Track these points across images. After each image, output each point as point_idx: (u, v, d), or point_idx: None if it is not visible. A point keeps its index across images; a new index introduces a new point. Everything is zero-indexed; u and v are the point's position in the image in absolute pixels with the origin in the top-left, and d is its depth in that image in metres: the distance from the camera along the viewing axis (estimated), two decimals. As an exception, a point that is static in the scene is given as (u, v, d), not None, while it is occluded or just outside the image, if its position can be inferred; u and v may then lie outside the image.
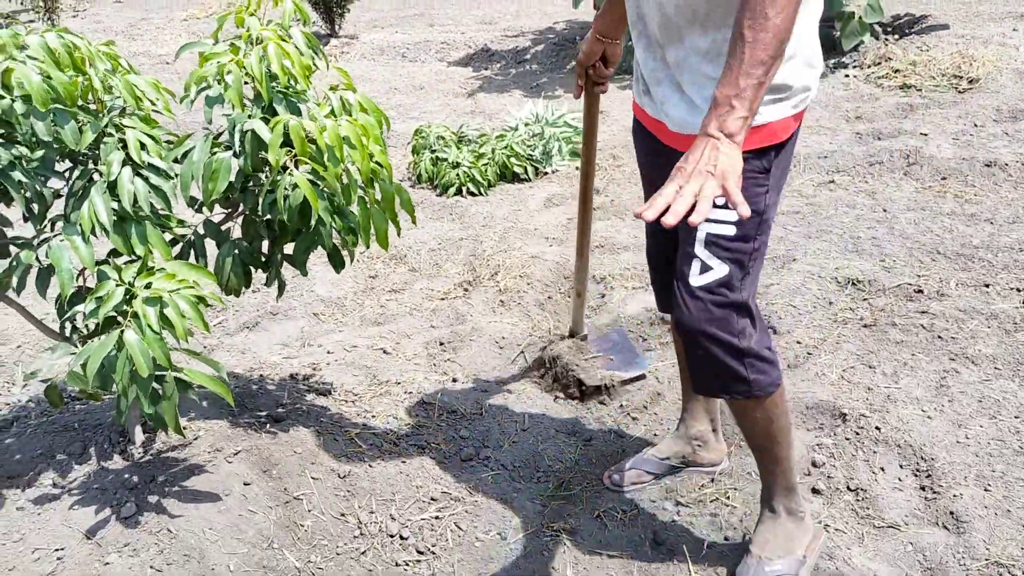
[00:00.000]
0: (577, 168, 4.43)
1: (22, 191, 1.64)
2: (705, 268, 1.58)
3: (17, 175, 1.62)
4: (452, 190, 4.21)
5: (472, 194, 4.24)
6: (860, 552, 1.90)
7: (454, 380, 2.74)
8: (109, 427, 2.19)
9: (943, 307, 2.82)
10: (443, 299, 3.37)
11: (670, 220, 1.30)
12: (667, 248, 1.90)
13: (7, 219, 1.84)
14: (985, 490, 2.01)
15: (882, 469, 2.13)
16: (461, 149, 4.36)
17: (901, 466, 2.14)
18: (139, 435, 2.10)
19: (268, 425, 2.21)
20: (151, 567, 1.76)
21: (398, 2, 9.62)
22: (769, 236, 1.63)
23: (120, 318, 1.68)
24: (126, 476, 1.97)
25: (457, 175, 4.21)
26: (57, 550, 1.80)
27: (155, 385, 1.71)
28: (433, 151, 4.38)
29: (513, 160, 4.33)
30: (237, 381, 2.59)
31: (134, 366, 1.64)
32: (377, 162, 1.93)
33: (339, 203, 1.88)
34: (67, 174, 1.85)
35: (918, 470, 2.12)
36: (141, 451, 2.06)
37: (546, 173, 4.44)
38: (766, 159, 1.56)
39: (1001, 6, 6.25)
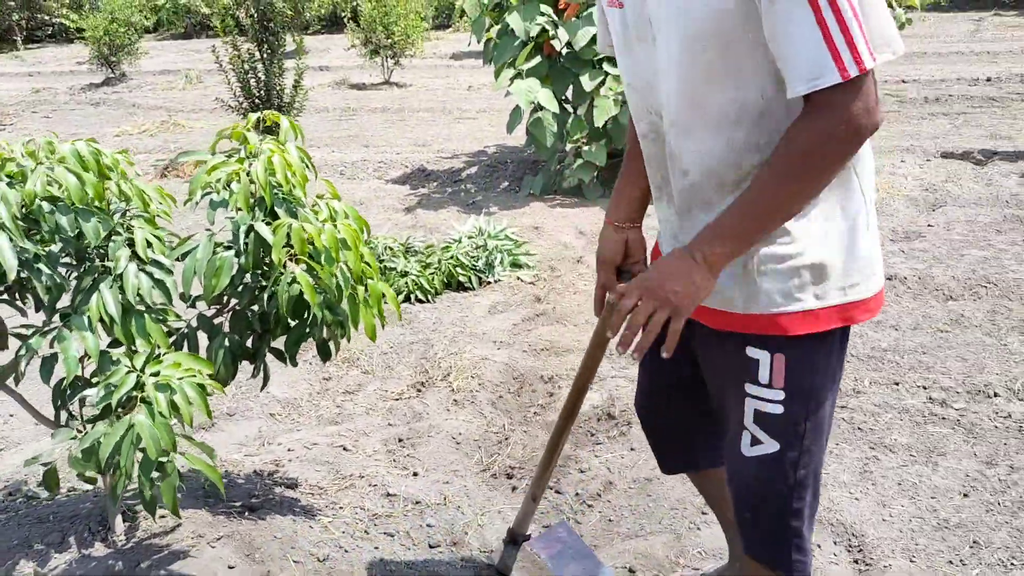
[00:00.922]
0: (519, 279, 4.71)
1: (43, 283, 1.76)
2: (755, 441, 1.51)
3: (43, 267, 1.75)
4: (401, 297, 4.40)
5: (420, 301, 4.44)
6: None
7: (415, 474, 2.86)
8: (86, 517, 2.23)
9: (860, 402, 3.12)
10: (397, 399, 3.50)
11: (637, 355, 1.39)
12: (663, 407, 1.84)
13: (24, 310, 1.95)
14: (911, 561, 2.24)
15: (819, 546, 2.34)
16: (408, 259, 4.58)
17: (835, 543, 2.35)
18: (119, 524, 2.15)
19: (245, 513, 2.29)
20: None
21: (331, 125, 9.99)
22: (827, 419, 1.52)
23: (121, 405, 1.79)
24: (109, 563, 2.02)
25: (406, 283, 4.42)
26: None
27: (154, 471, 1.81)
28: (381, 260, 4.59)
29: (459, 270, 4.57)
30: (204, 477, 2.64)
31: (140, 450, 1.74)
32: (366, 262, 2.13)
33: (331, 299, 2.06)
34: (67, 271, 1.98)
35: (850, 546, 2.33)
36: (123, 539, 2.11)
37: (489, 283, 4.69)
38: (829, 343, 1.46)
39: (889, 140, 6.99)
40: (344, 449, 3.04)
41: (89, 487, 2.75)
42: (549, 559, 2.12)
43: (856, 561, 2.27)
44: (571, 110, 6.36)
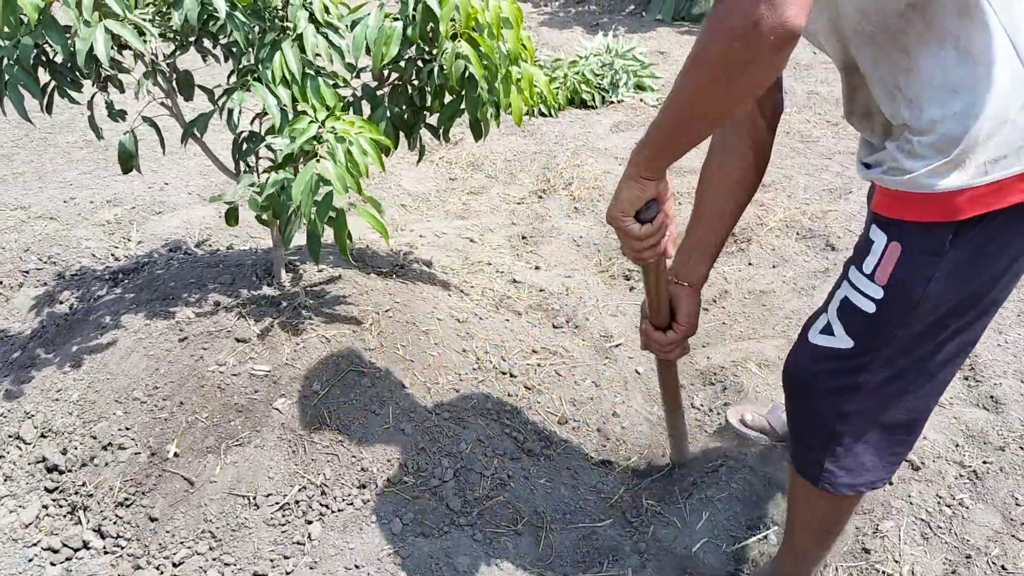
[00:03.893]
0: (642, 100, 4.68)
1: (242, 31, 1.90)
2: (827, 330, 1.37)
3: (238, 15, 1.88)
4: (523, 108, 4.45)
5: (543, 115, 4.49)
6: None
7: (537, 268, 3.03)
8: (251, 266, 2.48)
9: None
10: (519, 203, 3.64)
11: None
12: None
13: (217, 56, 2.10)
14: (1022, 382, 2.30)
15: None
16: (534, 72, 4.59)
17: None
18: (283, 273, 2.39)
19: (392, 276, 2.50)
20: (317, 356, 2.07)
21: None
22: (941, 347, 1.30)
23: (302, 154, 1.96)
24: (277, 300, 2.27)
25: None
26: (235, 342, 2.10)
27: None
28: (507, 72, 4.61)
29: (583, 87, 4.56)
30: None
31: (315, 193, 1.92)
32: (523, 44, 2.19)
33: (489, 76, 2.14)
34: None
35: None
36: (287, 285, 2.35)
37: (612, 102, 4.68)
38: (935, 239, 1.20)
39: None
40: (471, 240, 3.22)
41: (248, 245, 3.02)
42: None
43: (966, 378, 2.35)
44: (710, -69, 6.03)
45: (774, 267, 2.99)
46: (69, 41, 1.84)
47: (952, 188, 1.15)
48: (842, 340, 1.34)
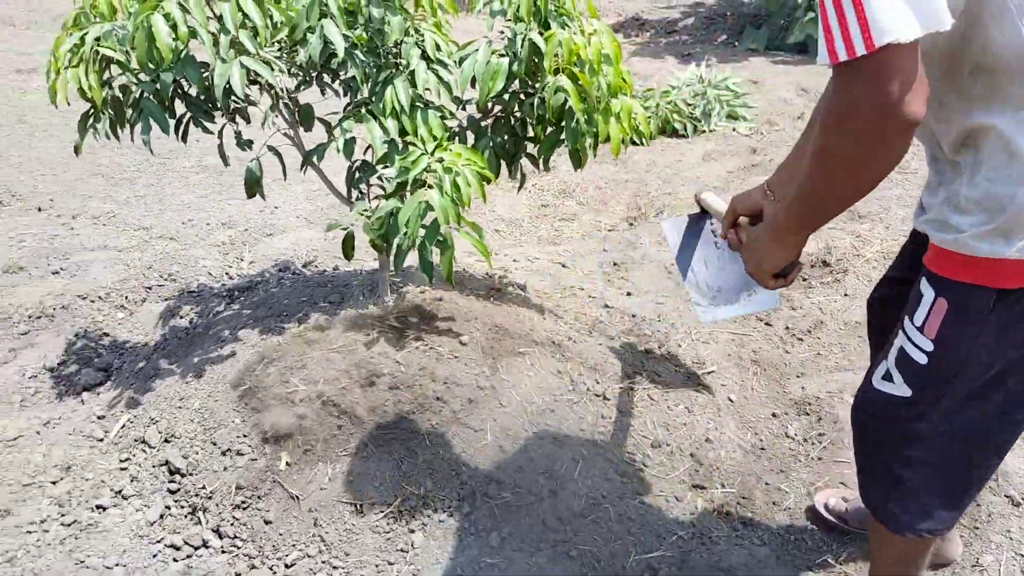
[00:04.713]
0: (735, 130, 4.70)
1: (359, 67, 2.04)
2: (888, 377, 1.42)
3: (358, 53, 2.02)
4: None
5: (634, 143, 4.55)
6: None
7: (628, 294, 3.08)
8: (358, 286, 2.62)
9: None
10: (611, 229, 3.70)
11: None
12: (878, 311, 1.77)
13: (336, 91, 2.26)
14: None
15: None
16: (626, 101, 4.67)
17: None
18: (388, 293, 2.51)
19: (490, 298, 2.60)
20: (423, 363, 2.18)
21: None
22: (997, 406, 1.33)
23: (411, 183, 2.08)
24: (382, 318, 2.39)
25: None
26: (344, 356, 2.23)
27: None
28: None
29: (675, 116, 4.61)
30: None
31: (422, 219, 2.03)
32: (622, 78, 2.27)
33: (589, 108, 2.23)
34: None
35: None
36: (391, 304, 2.47)
37: (703, 132, 4.71)
38: (979, 300, 1.25)
39: None
40: (563, 266, 3.30)
41: (352, 267, 3.18)
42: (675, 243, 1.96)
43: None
44: (805, -40, 6.01)
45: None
46: (205, 76, 2.02)
47: (996, 256, 1.20)
48: (901, 388, 1.39)
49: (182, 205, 3.91)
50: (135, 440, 2.31)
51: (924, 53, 1.06)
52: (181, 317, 2.91)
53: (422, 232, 2.04)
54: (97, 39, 2.05)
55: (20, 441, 2.39)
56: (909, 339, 1.35)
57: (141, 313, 3.02)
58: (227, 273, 3.28)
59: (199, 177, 4.26)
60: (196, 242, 3.52)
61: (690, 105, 4.71)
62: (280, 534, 1.98)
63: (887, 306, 1.67)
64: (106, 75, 2.09)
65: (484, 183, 2.07)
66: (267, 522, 2.01)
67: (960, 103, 1.21)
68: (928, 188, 1.37)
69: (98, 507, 2.15)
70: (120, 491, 2.19)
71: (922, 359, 1.33)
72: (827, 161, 1.14)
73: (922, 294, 1.32)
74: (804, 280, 3.18)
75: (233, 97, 1.99)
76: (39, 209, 3.84)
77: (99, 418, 2.44)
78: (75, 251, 3.41)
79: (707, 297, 1.96)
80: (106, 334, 2.89)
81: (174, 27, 1.83)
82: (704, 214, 1.96)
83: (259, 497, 2.05)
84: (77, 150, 2.19)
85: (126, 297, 3.09)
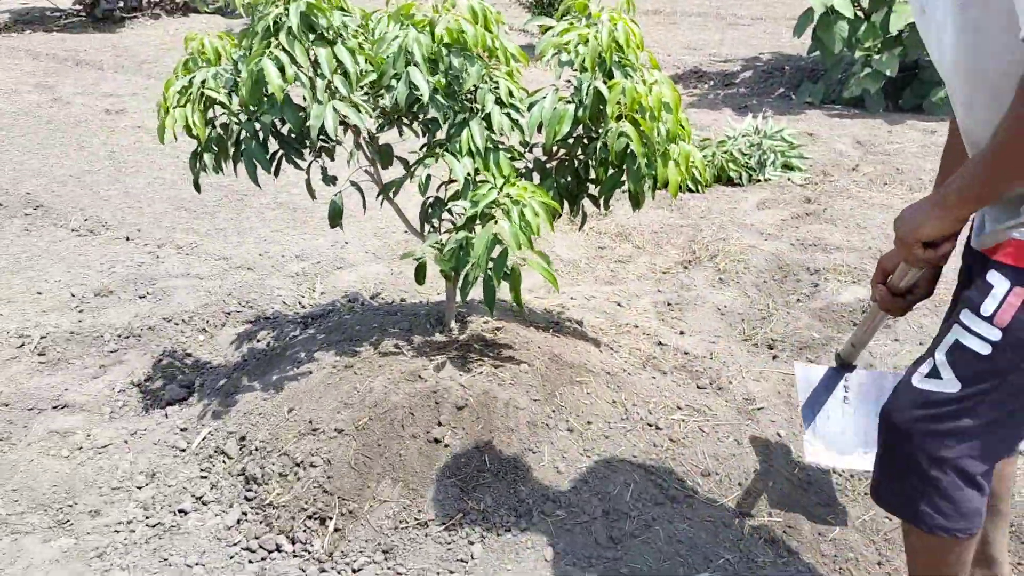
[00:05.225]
0: (789, 180, 4.80)
1: (441, 111, 2.23)
2: (934, 374, 1.42)
3: (440, 98, 2.21)
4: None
5: (690, 191, 4.68)
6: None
7: (681, 333, 3.19)
8: (425, 315, 2.78)
9: None
10: (665, 272, 3.82)
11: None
12: None
13: (416, 132, 2.45)
14: None
15: None
16: (683, 150, 4.82)
17: None
18: (454, 322, 2.67)
19: (550, 330, 2.74)
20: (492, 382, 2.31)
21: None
22: None
23: (482, 216, 2.24)
24: (448, 345, 2.54)
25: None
26: (413, 378, 2.38)
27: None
28: (657, 149, 4.86)
29: (731, 164, 4.74)
30: (509, 305, 3.14)
31: (491, 251, 2.18)
32: (681, 125, 2.42)
33: (649, 153, 2.37)
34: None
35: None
36: (456, 333, 2.62)
37: (759, 180, 4.82)
38: None
39: None
40: (618, 305, 3.42)
41: (417, 299, 3.34)
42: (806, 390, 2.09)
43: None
44: (862, 16, 6.14)
45: (920, 344, 3.02)
46: (301, 116, 2.22)
47: None
48: (950, 384, 1.39)
49: (259, 238, 4.15)
50: (215, 451, 2.48)
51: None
52: (258, 341, 3.10)
53: (491, 262, 2.20)
54: (202, 82, 2.28)
55: (109, 449, 2.59)
56: (971, 331, 1.36)
57: (221, 336, 3.22)
58: (300, 302, 3.48)
59: (274, 213, 4.51)
60: (272, 272, 3.74)
61: (745, 155, 4.83)
62: (348, 541, 2.12)
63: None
64: (209, 115, 2.31)
65: (551, 215, 2.22)
66: (336, 530, 2.16)
67: None
68: (1005, 208, 1.40)
69: (180, 511, 2.32)
70: (200, 497, 2.36)
71: (985, 349, 1.34)
72: (1016, 151, 1.19)
73: (991, 285, 1.34)
74: (854, 325, 3.25)
75: (323, 136, 2.19)
76: (127, 239, 4.11)
77: (182, 430, 2.62)
78: (160, 278, 3.66)
79: (822, 441, 2.06)
80: (189, 354, 3.10)
81: (282, 70, 2.04)
82: (842, 369, 2.08)
83: (329, 507, 2.19)
84: (197, 187, 2.42)
85: (207, 321, 3.31)
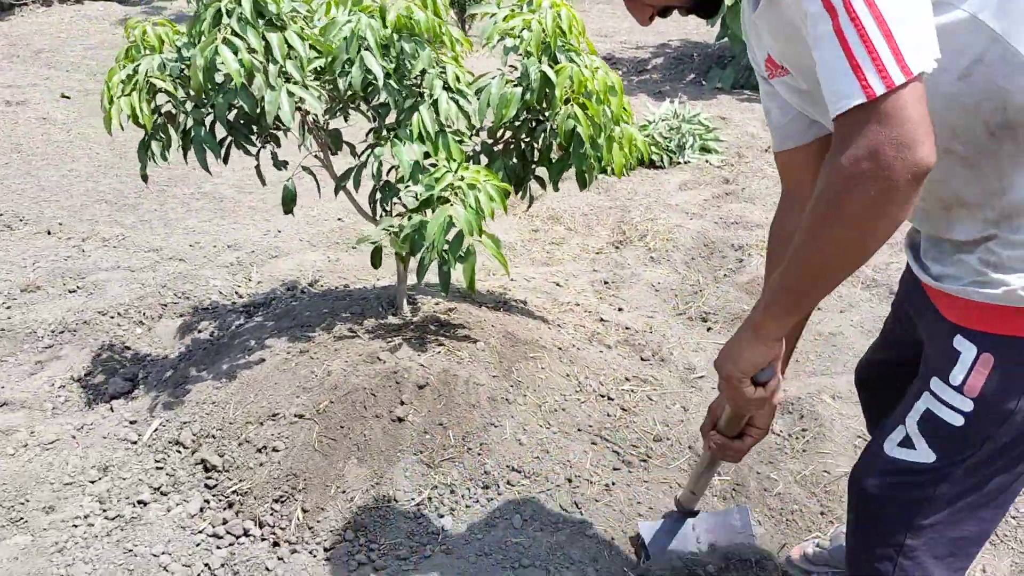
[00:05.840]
0: (707, 162, 4.99)
1: (393, 95, 2.26)
2: (906, 443, 1.33)
3: (392, 82, 2.24)
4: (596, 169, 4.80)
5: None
6: None
7: (620, 309, 3.32)
8: (376, 299, 2.81)
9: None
10: (599, 252, 3.95)
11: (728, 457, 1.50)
12: (875, 380, 1.73)
13: (368, 116, 2.47)
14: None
15: None
16: (607, 134, 4.96)
17: None
18: (406, 305, 2.71)
19: (499, 310, 2.81)
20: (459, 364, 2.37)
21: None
22: (1011, 453, 1.28)
23: (436, 200, 2.29)
24: (403, 327, 2.58)
25: (604, 155, 4.81)
26: (371, 360, 2.42)
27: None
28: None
29: (653, 148, 4.90)
30: (458, 287, 3.20)
31: (447, 234, 2.24)
32: (624, 108, 2.52)
33: (594, 135, 2.47)
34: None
35: None
36: (409, 315, 2.67)
37: (679, 163, 5.00)
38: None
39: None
40: (557, 284, 3.52)
41: (361, 284, 3.36)
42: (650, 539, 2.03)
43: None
44: (768, 5, 6.40)
45: (841, 312, 3.23)
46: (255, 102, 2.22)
47: None
48: (924, 454, 1.31)
49: (187, 229, 4.07)
50: (169, 442, 2.46)
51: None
52: (200, 331, 3.07)
53: (446, 244, 2.25)
54: (146, 71, 2.25)
55: (57, 444, 2.53)
56: (940, 400, 1.28)
57: (159, 328, 3.17)
58: (236, 292, 3.45)
59: (200, 203, 4.43)
60: (205, 263, 3.69)
61: (666, 138, 5.00)
62: (318, 521, 2.15)
63: (885, 384, 1.63)
64: (152, 104, 2.28)
65: (504, 198, 2.29)
66: (305, 511, 2.18)
67: (988, 167, 1.19)
68: (934, 255, 1.33)
69: (139, 502, 2.30)
70: (159, 488, 2.34)
71: (958, 420, 1.26)
72: (835, 222, 1.04)
73: (958, 351, 1.26)
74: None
75: (276, 122, 2.19)
76: (48, 232, 3.97)
77: (131, 423, 2.58)
78: (89, 271, 3.55)
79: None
80: (128, 347, 3.04)
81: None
82: (684, 515, 2.03)
83: (296, 489, 2.21)
84: (144, 178, 2.37)
85: (144, 313, 3.24)
